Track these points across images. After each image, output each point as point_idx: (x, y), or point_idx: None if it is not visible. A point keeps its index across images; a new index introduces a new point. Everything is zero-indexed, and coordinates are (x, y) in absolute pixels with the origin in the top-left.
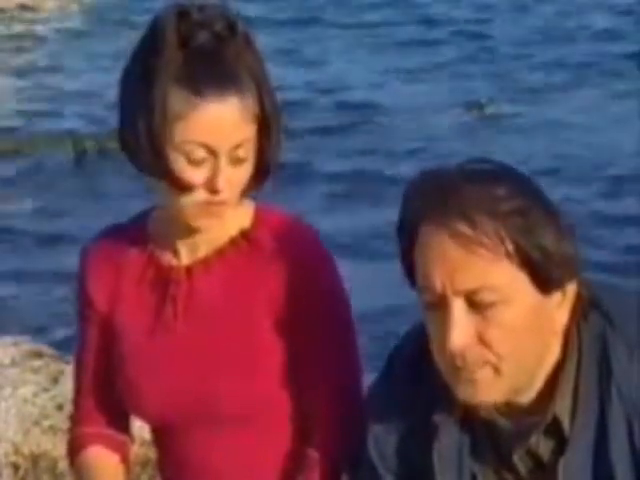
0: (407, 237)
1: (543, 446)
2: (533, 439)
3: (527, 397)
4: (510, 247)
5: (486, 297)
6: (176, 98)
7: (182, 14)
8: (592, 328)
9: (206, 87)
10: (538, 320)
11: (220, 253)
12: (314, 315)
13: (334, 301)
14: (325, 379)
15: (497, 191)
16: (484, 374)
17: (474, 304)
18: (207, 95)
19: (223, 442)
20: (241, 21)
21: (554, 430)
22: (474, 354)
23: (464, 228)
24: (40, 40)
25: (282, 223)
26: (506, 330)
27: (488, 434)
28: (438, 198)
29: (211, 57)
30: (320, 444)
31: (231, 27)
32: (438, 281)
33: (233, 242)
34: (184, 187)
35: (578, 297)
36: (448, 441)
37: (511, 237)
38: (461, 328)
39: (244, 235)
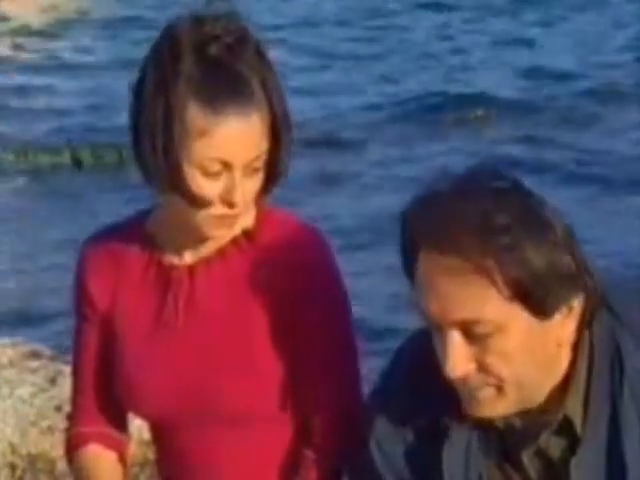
0: (406, 259)
1: (554, 446)
2: (543, 439)
3: (539, 400)
4: (501, 282)
5: (480, 329)
6: (195, 115)
7: (196, 25)
8: (603, 327)
9: (225, 104)
10: (538, 341)
11: (221, 253)
12: (313, 316)
13: (334, 302)
14: (324, 380)
15: (491, 221)
16: (487, 393)
17: (470, 334)
18: (227, 112)
19: (223, 441)
20: (252, 31)
21: (565, 430)
22: (475, 380)
23: (454, 262)
24: None
25: (284, 224)
26: (505, 357)
27: (497, 433)
28: (431, 226)
29: (225, 71)
30: (318, 444)
31: (242, 38)
32: (432, 312)
33: (235, 242)
34: (201, 204)
35: (588, 303)
36: (458, 442)
37: (502, 272)
38: (457, 358)
39: (246, 235)
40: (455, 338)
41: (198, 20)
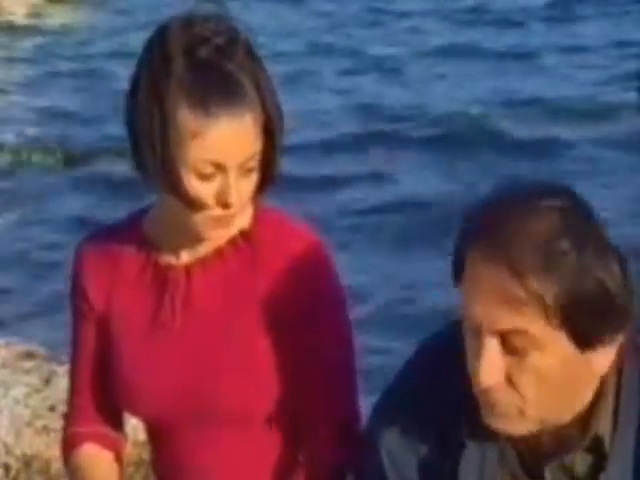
0: (458, 259)
1: (580, 462)
2: (569, 455)
3: (564, 422)
4: (553, 309)
5: (519, 342)
6: (187, 118)
7: (185, 27)
8: (633, 352)
9: (216, 105)
10: (574, 370)
11: (219, 253)
12: (312, 317)
13: (332, 303)
14: (323, 382)
15: (555, 245)
16: (510, 411)
17: (509, 345)
18: (219, 114)
19: (219, 442)
20: (242, 30)
21: (595, 447)
22: (501, 394)
23: (511, 282)
24: None
25: (281, 223)
26: (537, 377)
27: (516, 447)
28: (493, 239)
29: (216, 72)
30: (314, 447)
31: (232, 39)
32: (476, 315)
33: (232, 242)
34: (198, 207)
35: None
36: (474, 453)
37: (556, 299)
38: (490, 366)
39: (243, 235)
40: (492, 346)
41: (188, 22)
